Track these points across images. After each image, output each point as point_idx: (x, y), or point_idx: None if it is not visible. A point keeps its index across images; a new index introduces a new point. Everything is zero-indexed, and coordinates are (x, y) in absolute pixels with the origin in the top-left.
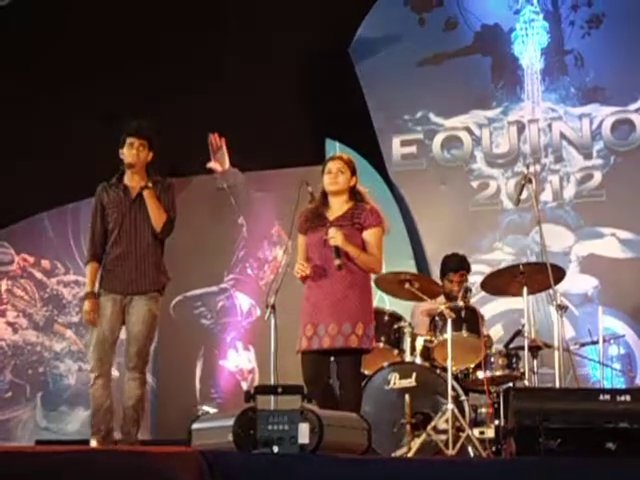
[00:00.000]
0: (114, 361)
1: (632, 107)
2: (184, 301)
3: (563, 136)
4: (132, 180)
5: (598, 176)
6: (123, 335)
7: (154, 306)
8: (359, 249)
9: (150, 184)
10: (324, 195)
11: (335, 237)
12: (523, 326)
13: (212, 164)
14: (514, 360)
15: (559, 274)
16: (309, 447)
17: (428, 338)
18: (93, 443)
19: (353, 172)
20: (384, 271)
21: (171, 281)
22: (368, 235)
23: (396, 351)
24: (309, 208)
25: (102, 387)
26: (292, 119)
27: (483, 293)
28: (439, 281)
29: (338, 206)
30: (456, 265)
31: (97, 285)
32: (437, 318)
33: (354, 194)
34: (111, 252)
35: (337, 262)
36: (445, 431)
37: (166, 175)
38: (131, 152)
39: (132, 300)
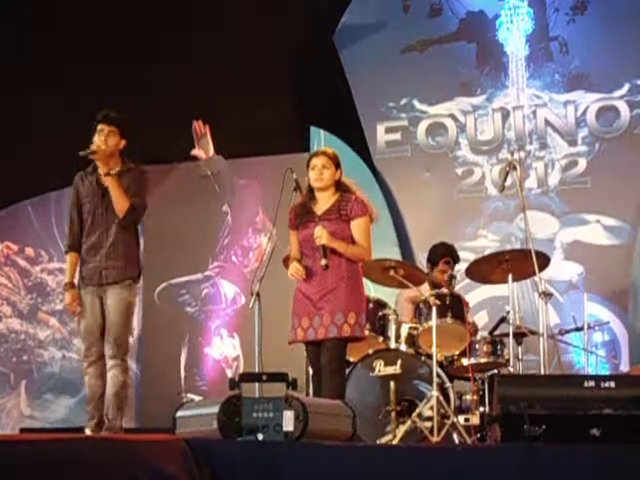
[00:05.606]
0: (104, 350)
1: (617, 94)
2: (168, 289)
3: (548, 123)
4: (105, 169)
5: (583, 163)
6: None
7: (128, 294)
8: (346, 243)
9: (113, 171)
10: (311, 190)
11: (321, 236)
12: (508, 313)
13: (196, 151)
14: (499, 347)
15: (544, 261)
16: (294, 434)
17: (413, 325)
18: (87, 431)
19: (337, 166)
20: None
21: (155, 269)
22: (355, 225)
23: (381, 338)
24: (298, 204)
25: (94, 376)
26: (276, 106)
27: (468, 280)
28: (425, 269)
29: (325, 200)
30: (444, 250)
31: (77, 276)
32: (422, 305)
33: (340, 186)
34: (85, 242)
35: (323, 262)
36: (430, 418)
37: (145, 162)
38: (99, 139)
39: (107, 290)
